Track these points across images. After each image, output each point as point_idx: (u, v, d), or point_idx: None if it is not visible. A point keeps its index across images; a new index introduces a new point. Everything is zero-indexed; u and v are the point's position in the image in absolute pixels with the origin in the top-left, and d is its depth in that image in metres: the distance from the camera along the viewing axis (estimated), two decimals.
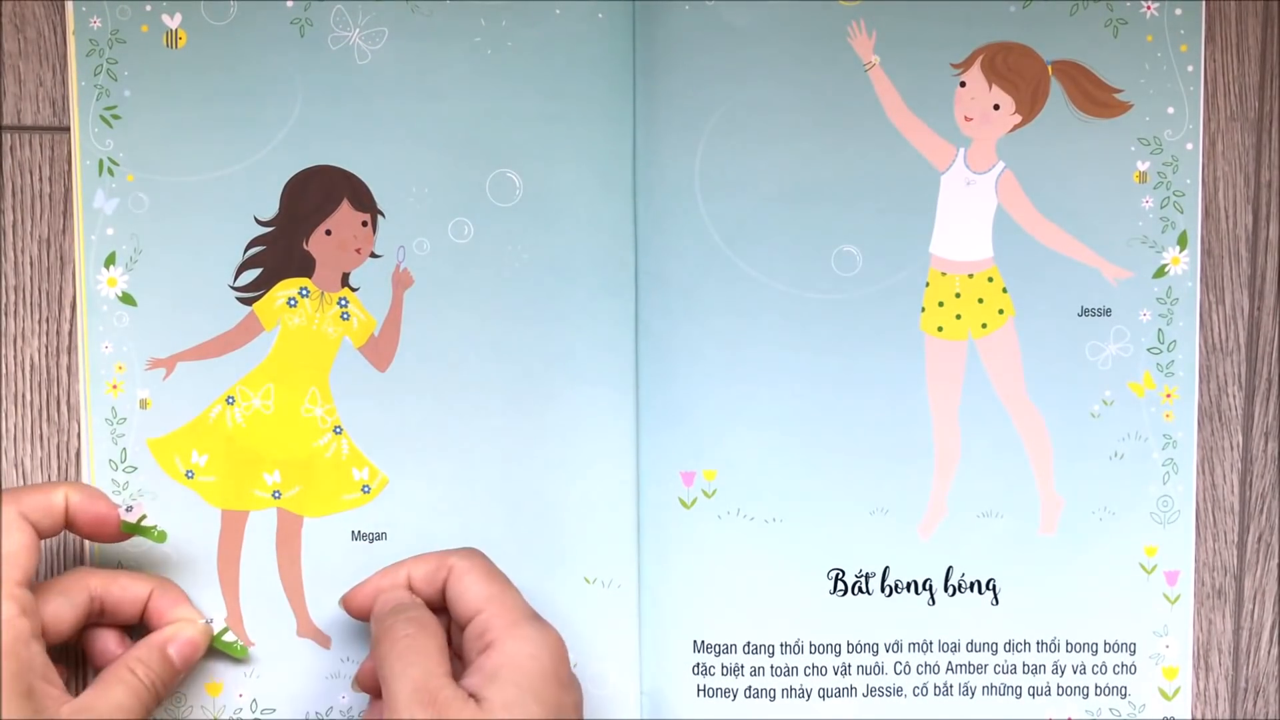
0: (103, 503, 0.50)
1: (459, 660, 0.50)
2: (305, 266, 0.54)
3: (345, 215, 0.54)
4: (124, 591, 0.51)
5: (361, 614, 0.51)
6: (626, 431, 0.54)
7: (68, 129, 0.54)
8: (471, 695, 0.46)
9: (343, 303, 0.54)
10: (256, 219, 0.54)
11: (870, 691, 0.55)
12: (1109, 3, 0.54)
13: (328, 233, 0.54)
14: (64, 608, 0.49)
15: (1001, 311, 0.55)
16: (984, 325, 0.55)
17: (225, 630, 0.53)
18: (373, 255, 0.54)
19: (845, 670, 0.55)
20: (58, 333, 0.54)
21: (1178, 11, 0.54)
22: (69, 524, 0.50)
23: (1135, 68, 0.54)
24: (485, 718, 0.45)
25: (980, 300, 0.55)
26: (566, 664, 0.48)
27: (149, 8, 0.53)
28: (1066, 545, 0.55)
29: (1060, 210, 0.55)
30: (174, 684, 0.51)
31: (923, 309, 0.55)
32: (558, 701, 0.47)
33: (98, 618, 0.51)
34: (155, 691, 0.49)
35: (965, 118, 0.55)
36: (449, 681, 0.46)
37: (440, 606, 0.50)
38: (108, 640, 0.51)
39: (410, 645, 0.47)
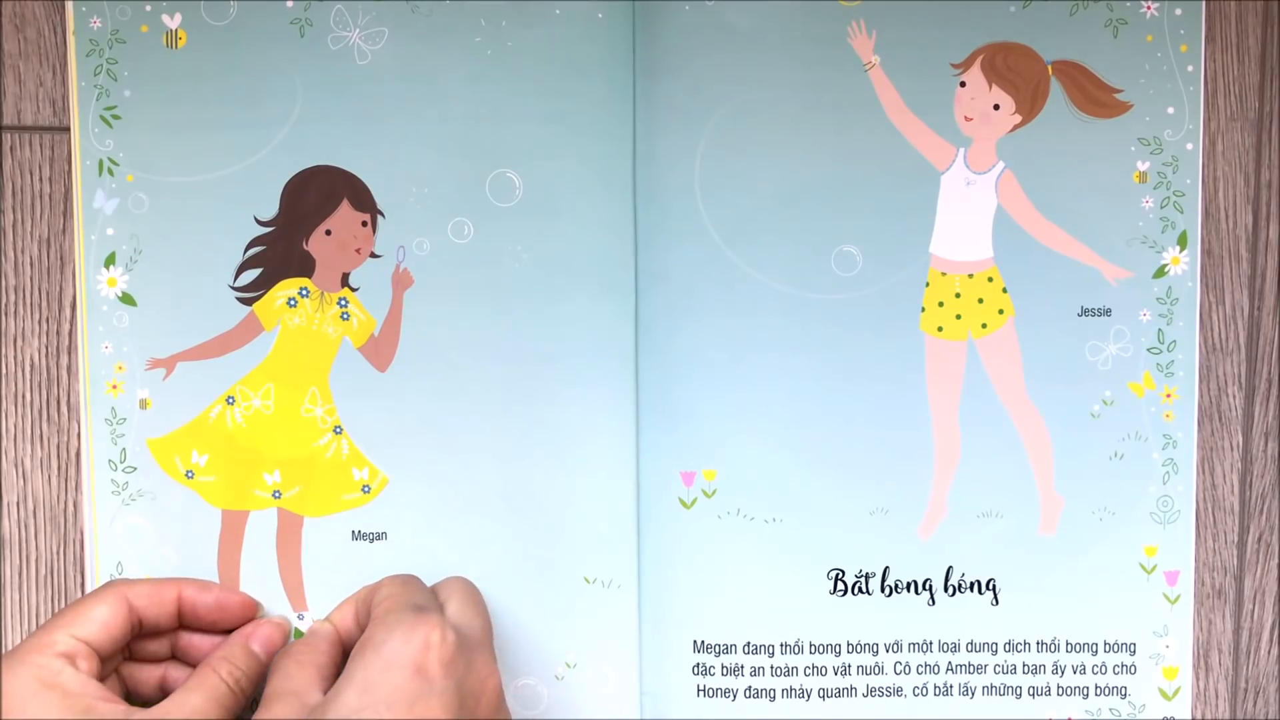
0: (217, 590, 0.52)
1: None
2: (305, 266, 0.54)
3: (345, 215, 0.54)
4: (150, 598, 0.51)
5: None
6: (626, 431, 0.54)
7: (68, 129, 0.54)
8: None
9: (343, 303, 0.54)
10: (256, 219, 0.54)
11: (870, 691, 0.55)
12: (1109, 3, 0.54)
13: (328, 233, 0.54)
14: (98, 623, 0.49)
15: (1001, 311, 0.55)
16: (984, 325, 0.55)
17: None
18: (373, 255, 0.54)
19: (845, 670, 0.55)
20: (58, 333, 0.54)
21: (1178, 11, 0.54)
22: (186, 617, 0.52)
23: (1135, 68, 0.54)
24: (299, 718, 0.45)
25: (980, 300, 0.55)
26: (434, 652, 0.45)
27: (149, 8, 0.53)
28: (1066, 545, 0.55)
29: (1060, 210, 0.55)
30: (261, 679, 0.51)
31: (923, 309, 0.55)
32: (400, 689, 0.44)
33: (138, 628, 0.51)
34: (240, 690, 0.50)
35: (965, 118, 0.55)
36: (296, 688, 0.47)
37: None
38: (202, 645, 0.52)
39: (284, 653, 0.49)
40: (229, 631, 0.52)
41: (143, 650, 0.51)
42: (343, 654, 0.51)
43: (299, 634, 0.54)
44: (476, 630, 0.48)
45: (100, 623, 0.48)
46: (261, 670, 0.51)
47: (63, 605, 0.55)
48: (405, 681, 0.45)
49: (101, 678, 0.48)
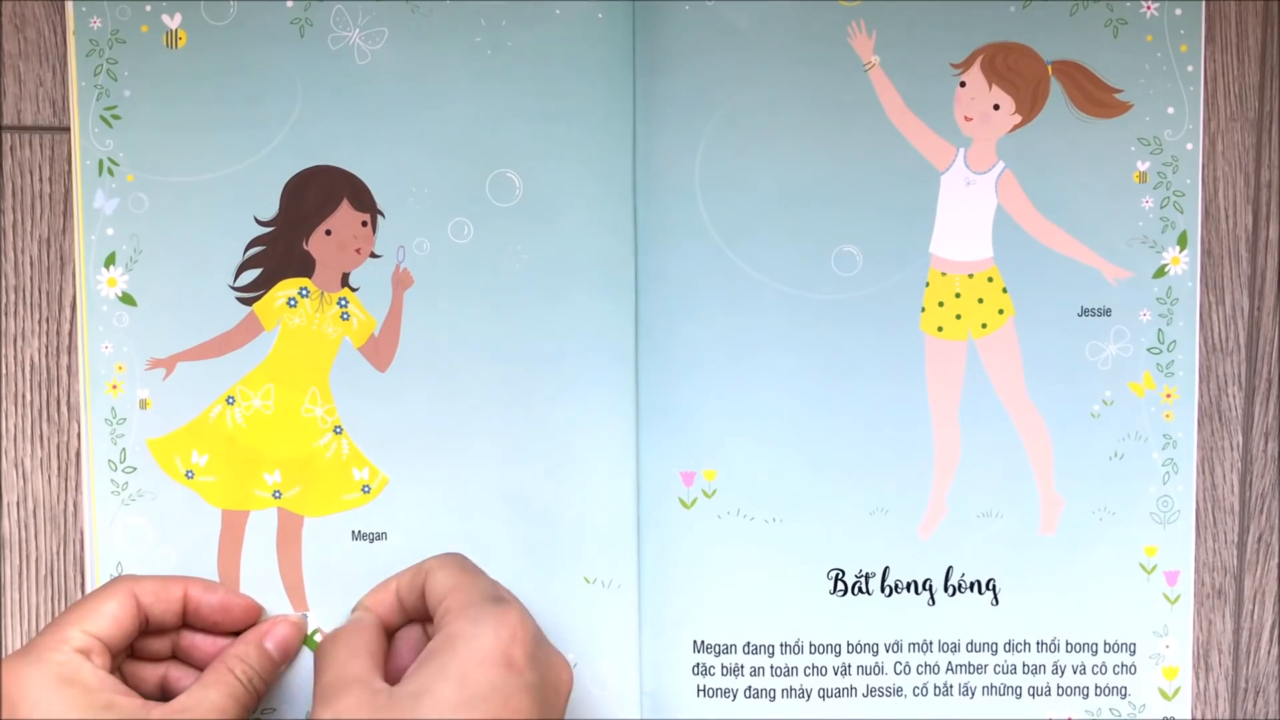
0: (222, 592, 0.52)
1: None
2: (305, 266, 0.54)
3: (345, 215, 0.54)
4: (156, 595, 0.51)
5: None
6: (626, 431, 0.54)
7: (68, 129, 0.54)
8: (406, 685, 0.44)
9: (343, 303, 0.54)
10: (256, 219, 0.54)
11: (870, 691, 0.55)
12: (1109, 3, 0.54)
13: (328, 233, 0.54)
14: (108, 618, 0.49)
15: (1001, 311, 0.55)
16: (984, 325, 0.55)
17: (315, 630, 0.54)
18: (373, 255, 0.54)
19: (845, 670, 0.55)
20: (58, 333, 0.54)
21: (1178, 11, 0.54)
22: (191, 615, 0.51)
23: (1135, 68, 0.54)
24: (380, 717, 0.43)
25: (980, 300, 0.55)
26: (520, 645, 0.45)
27: (149, 8, 0.53)
28: (1066, 545, 0.55)
29: (1060, 210, 0.55)
30: (273, 679, 0.51)
31: (923, 309, 0.55)
32: (494, 684, 0.44)
33: (144, 624, 0.50)
34: (254, 689, 0.49)
35: (965, 118, 0.55)
36: (358, 675, 0.45)
37: (427, 613, 0.50)
38: (204, 646, 0.52)
39: (332, 641, 0.48)
40: (231, 634, 0.52)
41: (145, 648, 0.51)
42: (384, 640, 0.50)
43: (311, 642, 0.54)
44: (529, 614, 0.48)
45: (111, 618, 0.48)
46: (275, 670, 0.51)
47: (63, 605, 0.54)
48: (498, 676, 0.44)
49: (110, 674, 0.48)
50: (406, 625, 0.51)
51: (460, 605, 0.46)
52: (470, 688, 0.43)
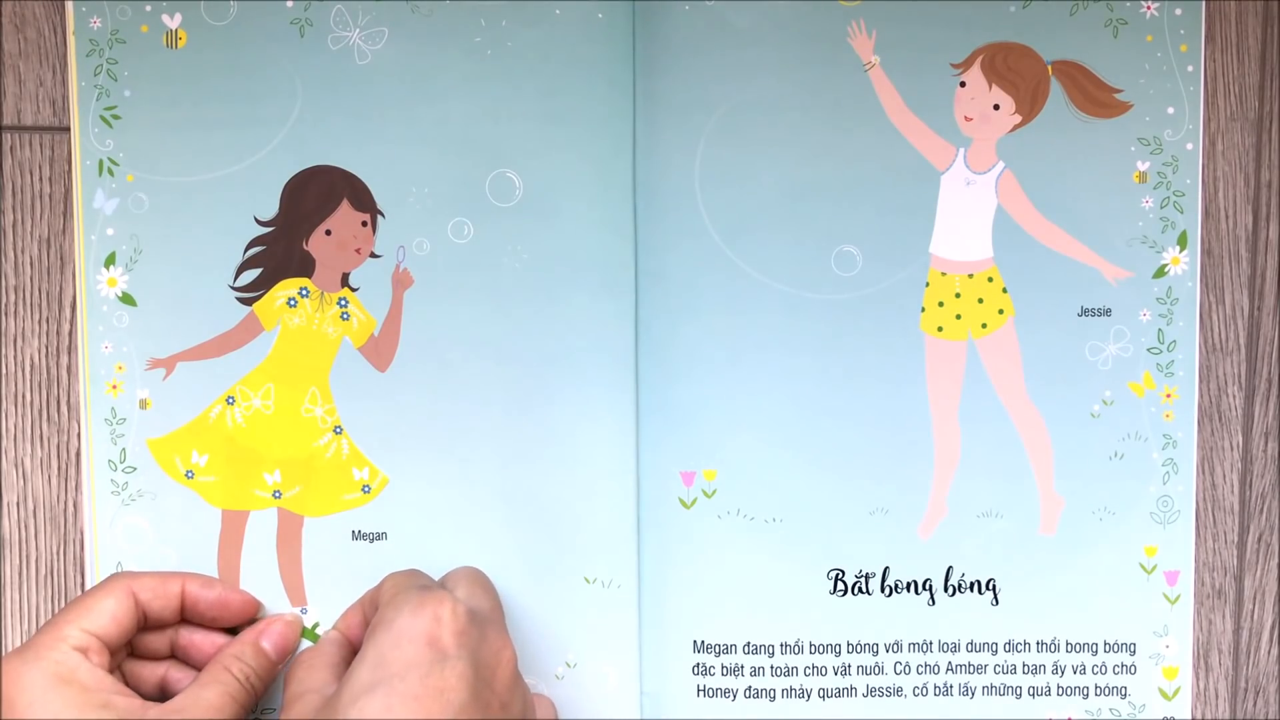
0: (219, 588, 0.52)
1: None
2: (305, 266, 0.54)
3: (345, 215, 0.54)
4: (154, 591, 0.51)
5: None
6: (626, 431, 0.54)
7: (68, 129, 0.54)
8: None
9: (343, 303, 0.54)
10: (256, 219, 0.54)
11: (870, 692, 0.55)
12: (1109, 3, 0.54)
13: (328, 233, 0.54)
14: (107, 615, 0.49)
15: (1001, 311, 0.55)
16: (984, 325, 0.55)
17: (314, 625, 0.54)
18: (373, 255, 0.54)
19: (845, 670, 0.55)
20: (58, 333, 0.54)
21: (1178, 11, 0.54)
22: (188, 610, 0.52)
23: (1135, 68, 0.54)
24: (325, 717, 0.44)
25: (980, 300, 0.55)
26: (446, 626, 0.45)
27: (149, 8, 0.53)
28: (1066, 545, 0.55)
29: (1060, 210, 0.55)
30: (271, 678, 0.51)
31: (923, 309, 0.55)
32: (409, 661, 0.44)
33: (142, 621, 0.50)
34: (251, 688, 0.49)
35: (965, 118, 0.55)
36: (313, 686, 0.47)
37: None
38: (203, 645, 0.52)
39: (297, 660, 0.49)
40: (229, 630, 0.52)
41: (144, 646, 0.51)
42: (353, 655, 0.51)
43: (311, 634, 0.54)
44: (486, 608, 0.48)
45: (109, 615, 0.48)
46: (272, 669, 0.51)
47: (63, 605, 0.54)
48: (418, 653, 0.44)
49: (109, 672, 0.48)
50: None
51: (389, 597, 0.47)
52: (387, 666, 0.44)
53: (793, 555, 0.55)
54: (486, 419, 0.54)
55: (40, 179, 0.54)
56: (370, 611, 0.51)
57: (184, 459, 0.54)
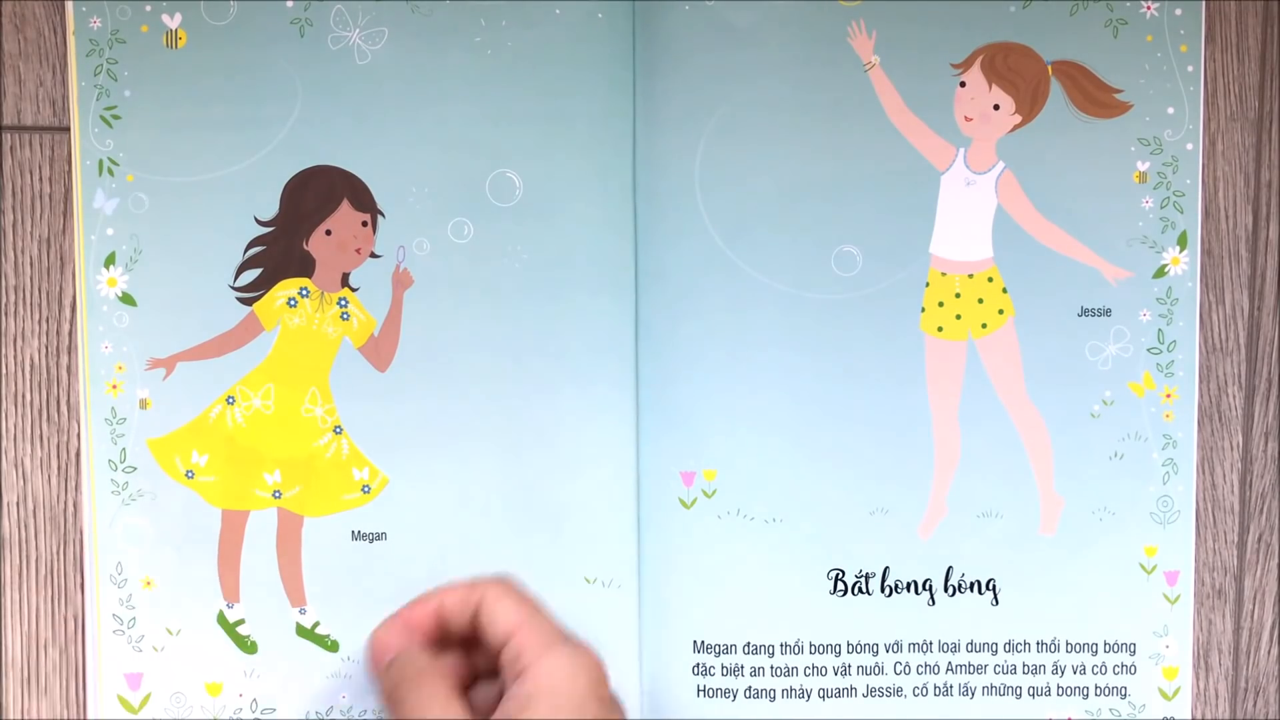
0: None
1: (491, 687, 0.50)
2: (305, 266, 0.54)
3: (345, 215, 0.54)
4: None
5: (385, 650, 0.50)
6: (626, 431, 0.54)
7: (68, 129, 0.54)
8: None
9: (343, 303, 0.54)
10: (256, 219, 0.54)
11: (870, 692, 0.55)
12: (1109, 3, 0.54)
13: (328, 233, 0.54)
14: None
15: (1001, 311, 0.55)
16: (984, 325, 0.55)
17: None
18: (373, 255, 0.54)
19: (845, 670, 0.55)
20: (58, 333, 0.54)
21: (1178, 11, 0.54)
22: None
23: (1135, 68, 0.54)
24: None
25: (980, 300, 0.55)
26: (605, 684, 0.47)
27: (149, 8, 0.53)
28: (1066, 545, 0.55)
29: (1060, 210, 0.55)
30: None
31: (923, 309, 0.55)
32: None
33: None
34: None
35: (965, 118, 0.55)
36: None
37: (471, 636, 0.49)
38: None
39: (422, 691, 0.47)
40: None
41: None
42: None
43: (311, 634, 0.54)
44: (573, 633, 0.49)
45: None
46: None
47: (63, 605, 0.54)
48: (598, 713, 0.46)
49: None
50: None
51: (543, 645, 0.47)
52: None
53: (793, 555, 0.55)
54: (486, 419, 0.54)
55: (40, 179, 0.54)
56: (458, 619, 0.49)
57: (184, 459, 0.54)
